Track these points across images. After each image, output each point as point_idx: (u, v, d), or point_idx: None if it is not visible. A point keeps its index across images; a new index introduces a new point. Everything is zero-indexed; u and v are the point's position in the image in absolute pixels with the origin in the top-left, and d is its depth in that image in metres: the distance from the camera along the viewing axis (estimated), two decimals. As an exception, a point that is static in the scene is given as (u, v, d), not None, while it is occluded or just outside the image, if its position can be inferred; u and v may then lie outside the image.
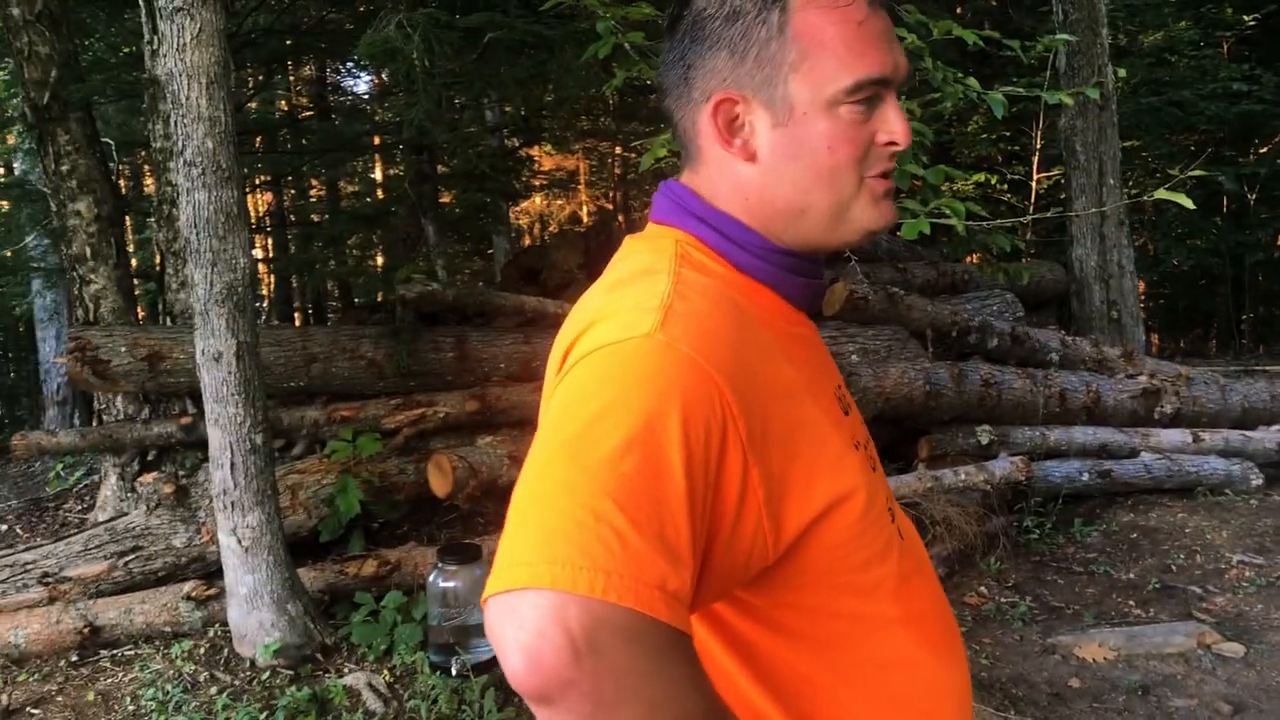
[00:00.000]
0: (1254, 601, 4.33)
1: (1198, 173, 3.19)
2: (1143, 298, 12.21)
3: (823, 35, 0.91)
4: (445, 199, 10.48)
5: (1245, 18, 14.46)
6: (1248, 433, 6.45)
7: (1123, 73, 8.56)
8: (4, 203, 10.70)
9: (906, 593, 0.96)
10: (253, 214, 13.69)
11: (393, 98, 9.14)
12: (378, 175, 15.45)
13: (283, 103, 13.29)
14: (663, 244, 0.96)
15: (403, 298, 4.89)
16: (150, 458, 5.22)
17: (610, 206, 18.16)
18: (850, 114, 0.92)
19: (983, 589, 4.57)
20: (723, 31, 0.93)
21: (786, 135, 0.93)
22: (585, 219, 19.16)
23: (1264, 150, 15.86)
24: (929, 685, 0.97)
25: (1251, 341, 15.24)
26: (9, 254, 9.87)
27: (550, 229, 19.26)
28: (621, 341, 0.81)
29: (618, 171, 16.55)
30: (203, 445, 4.23)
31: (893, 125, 0.94)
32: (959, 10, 13.15)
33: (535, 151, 15.39)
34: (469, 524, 5.31)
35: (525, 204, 19.95)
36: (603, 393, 0.79)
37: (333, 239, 10.11)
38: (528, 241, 19.21)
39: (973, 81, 4.24)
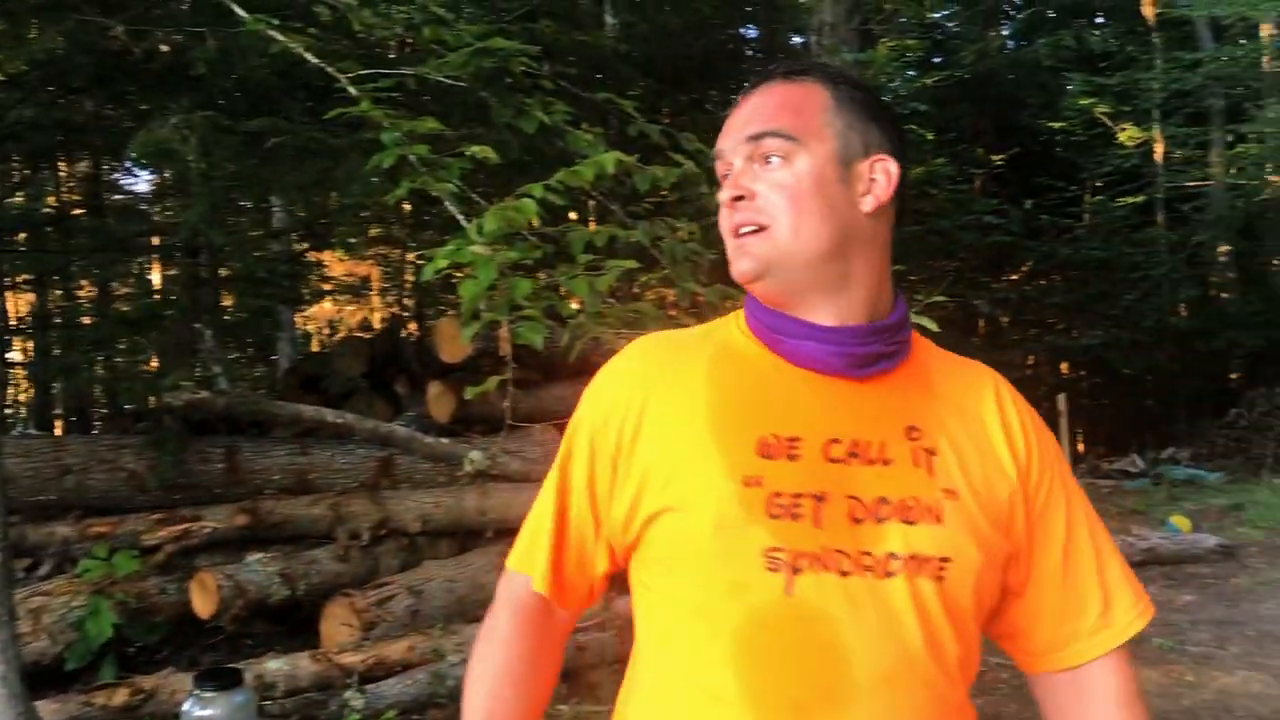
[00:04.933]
0: (1008, 702, 4.57)
1: (939, 298, 3.45)
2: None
3: None
4: (228, 303, 10.12)
5: (994, 158, 15.90)
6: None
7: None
8: None
9: (751, 645, 0.98)
10: (12, 314, 12.78)
11: (172, 198, 8.83)
12: (156, 278, 14.79)
13: (52, 198, 12.60)
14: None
15: (169, 406, 4.66)
16: None
17: (404, 314, 17.95)
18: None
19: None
20: None
21: None
22: (377, 326, 18.86)
23: (1014, 277, 17.31)
24: None
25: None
26: None
27: (339, 335, 18.85)
28: None
29: (410, 279, 16.43)
30: (-70, 566, 3.85)
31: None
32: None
33: (326, 256, 15.12)
34: (235, 646, 5.00)
35: (315, 309, 19.49)
36: None
37: (97, 343, 9.55)
38: (316, 348, 18.72)
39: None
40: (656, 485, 1.04)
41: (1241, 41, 15.92)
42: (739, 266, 1.07)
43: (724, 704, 0.98)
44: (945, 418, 1.08)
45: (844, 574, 0.98)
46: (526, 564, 1.18)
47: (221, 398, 4.99)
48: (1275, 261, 16.12)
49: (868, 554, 0.99)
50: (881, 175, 1.08)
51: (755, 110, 1.09)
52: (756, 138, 1.07)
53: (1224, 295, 16.79)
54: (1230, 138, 16.44)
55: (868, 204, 1.08)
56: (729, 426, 1.04)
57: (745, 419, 1.04)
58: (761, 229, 1.05)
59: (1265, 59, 15.03)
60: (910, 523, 1.01)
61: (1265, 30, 15.20)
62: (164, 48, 5.42)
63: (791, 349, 1.07)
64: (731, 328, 1.14)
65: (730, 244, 1.08)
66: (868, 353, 1.06)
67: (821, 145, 1.06)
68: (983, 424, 1.09)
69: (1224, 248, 16.39)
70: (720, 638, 1.00)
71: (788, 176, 1.06)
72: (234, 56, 4.58)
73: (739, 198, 1.07)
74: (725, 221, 1.08)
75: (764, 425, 1.04)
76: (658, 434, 1.06)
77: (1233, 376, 16.98)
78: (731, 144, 1.10)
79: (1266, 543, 8.11)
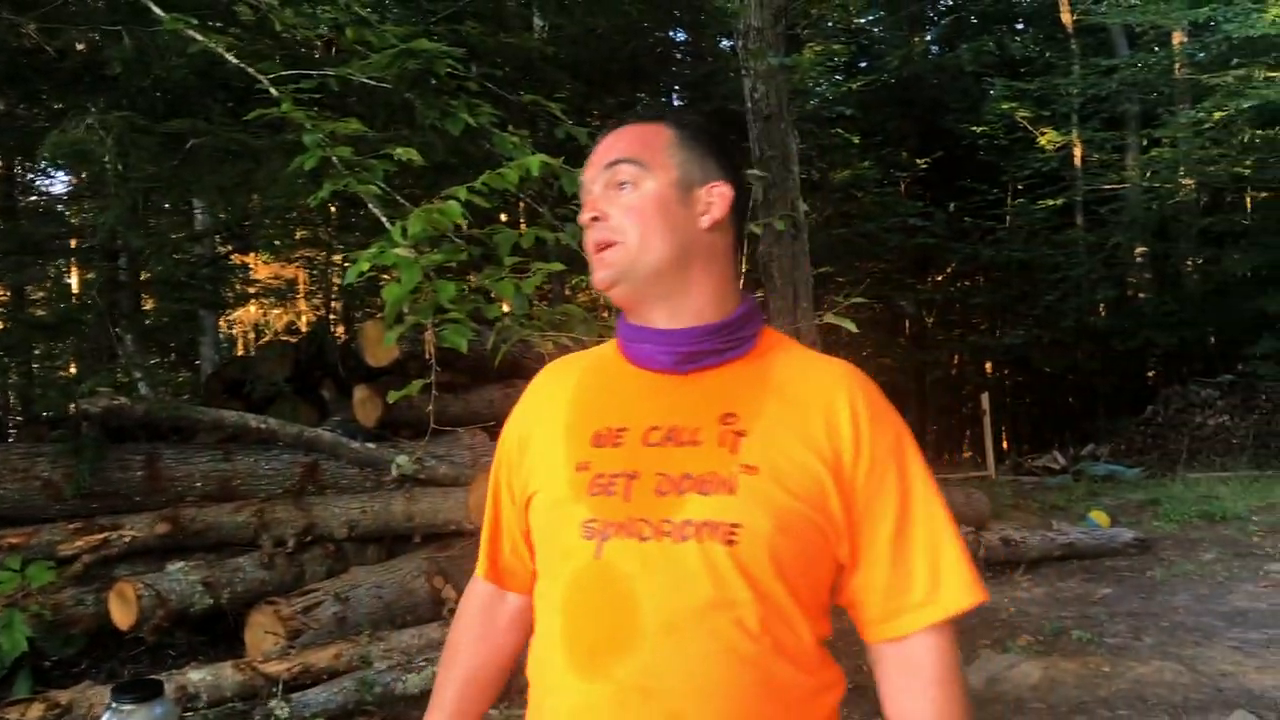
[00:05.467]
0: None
1: (859, 299, 3.51)
2: (840, 411, 13.09)
3: None
4: (149, 307, 9.89)
5: (918, 161, 16.16)
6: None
7: (804, 207, 9.29)
8: None
9: (570, 602, 1.20)
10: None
11: (89, 199, 8.60)
12: (74, 281, 14.40)
13: (-41, 200, 12.17)
14: None
15: (86, 412, 4.54)
16: None
17: (331, 317, 17.70)
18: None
19: None
20: None
21: None
22: (304, 329, 18.58)
23: (939, 279, 17.62)
24: (557, 684, 1.20)
25: (934, 452, 16.64)
26: None
27: (265, 339, 18.54)
28: None
29: (336, 282, 16.21)
30: None
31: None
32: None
33: (251, 259, 14.87)
34: (158, 657, 4.90)
35: (241, 313, 19.15)
36: None
37: (11, 348, 9.27)
38: (241, 352, 18.39)
39: (673, 209, 4.48)
40: (532, 476, 1.30)
41: (1155, 49, 16.39)
42: (597, 276, 1.28)
43: (552, 645, 1.21)
44: (768, 406, 1.23)
45: (643, 539, 1.16)
46: (479, 557, 1.45)
47: (140, 403, 4.87)
48: (1189, 262, 16.60)
49: (667, 521, 1.16)
50: (718, 198, 1.28)
51: (611, 145, 1.30)
52: (611, 165, 1.28)
53: (1141, 295, 17.26)
54: (1145, 142, 16.92)
55: (705, 222, 1.27)
56: (576, 423, 1.28)
57: (589, 416, 1.28)
58: (616, 244, 1.26)
59: (1177, 66, 15.49)
60: (705, 494, 1.17)
61: (1176, 38, 15.67)
62: (79, 46, 5.30)
63: (634, 352, 1.29)
64: (613, 343, 1.36)
65: (591, 258, 1.28)
66: (695, 350, 1.26)
67: (665, 173, 1.27)
68: (809, 414, 1.22)
69: (1140, 249, 16.85)
70: (555, 594, 1.22)
71: (636, 198, 1.26)
72: (151, 56, 4.49)
73: (596, 218, 1.27)
74: (586, 240, 1.28)
75: (601, 420, 1.26)
76: (538, 436, 1.32)
77: (1149, 375, 17.47)
78: (592, 175, 1.31)
79: (1180, 536, 8.35)
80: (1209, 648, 5.16)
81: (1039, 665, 4.86)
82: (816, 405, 1.23)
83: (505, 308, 3.57)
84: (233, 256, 10.94)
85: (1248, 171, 14.44)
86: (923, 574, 1.22)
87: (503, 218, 10.40)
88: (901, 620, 1.22)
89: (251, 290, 13.85)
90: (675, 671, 1.13)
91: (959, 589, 1.22)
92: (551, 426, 1.30)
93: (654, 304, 1.27)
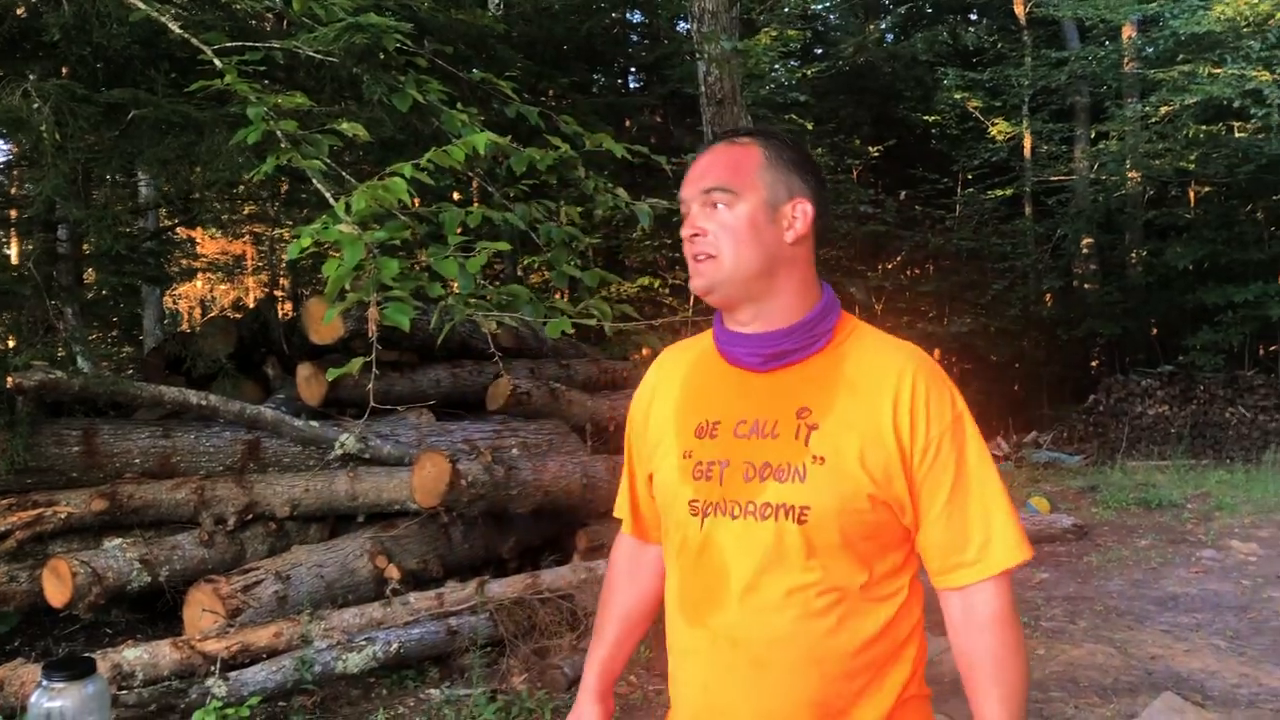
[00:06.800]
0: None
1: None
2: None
3: None
4: (90, 280, 9.70)
5: (871, 149, 16.25)
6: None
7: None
8: None
9: (682, 564, 1.49)
10: None
11: (27, 170, 8.41)
12: (14, 252, 14.08)
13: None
14: None
15: (20, 386, 4.45)
16: None
17: (280, 294, 17.47)
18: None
19: (632, 678, 4.68)
20: None
21: None
22: (251, 305, 18.33)
23: (889, 266, 17.76)
24: (673, 626, 1.53)
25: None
26: None
27: (211, 315, 18.28)
28: None
29: (285, 258, 15.98)
30: None
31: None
32: (628, 123, 13.90)
33: (197, 233, 14.64)
34: (94, 635, 4.85)
35: (187, 288, 18.87)
36: None
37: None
38: (186, 328, 18.11)
39: (622, 192, 4.48)
40: (653, 456, 1.57)
41: (1105, 42, 16.59)
42: (694, 283, 1.48)
43: (671, 594, 1.53)
44: (838, 398, 1.44)
45: (734, 516, 1.43)
46: (620, 513, 1.75)
47: (77, 378, 4.78)
48: (1133, 254, 16.86)
49: (752, 502, 1.42)
50: (800, 215, 1.47)
51: (707, 168, 1.48)
52: (707, 191, 1.46)
53: (1086, 286, 17.51)
54: (1093, 134, 17.14)
55: (790, 236, 1.46)
56: (684, 415, 1.54)
57: (693, 409, 1.53)
58: (712, 257, 1.45)
59: (1126, 60, 15.69)
60: (781, 481, 1.41)
61: (1126, 32, 15.87)
62: (18, 11, 5.18)
63: (728, 353, 1.52)
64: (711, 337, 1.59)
65: (690, 266, 1.49)
66: (777, 350, 1.47)
67: (755, 194, 1.45)
68: (874, 403, 1.43)
69: (1086, 240, 17.08)
70: (673, 554, 1.52)
71: (730, 219, 1.44)
72: (91, 23, 4.39)
73: (695, 234, 1.46)
74: (686, 250, 1.49)
75: (702, 413, 1.52)
76: (655, 420, 1.59)
77: (1093, 364, 17.74)
78: (690, 194, 1.49)
79: (1116, 522, 8.52)
80: (1140, 631, 5.29)
81: (976, 648, 4.93)
82: (882, 394, 1.43)
83: (455, 287, 3.55)
84: (177, 230, 10.75)
85: (1191, 166, 14.67)
86: (977, 535, 1.44)
87: (455, 197, 10.32)
88: (957, 574, 1.45)
89: (197, 265, 13.62)
90: (756, 626, 1.40)
91: (1007, 548, 1.43)
92: (666, 409, 1.57)
93: (744, 307, 1.47)
